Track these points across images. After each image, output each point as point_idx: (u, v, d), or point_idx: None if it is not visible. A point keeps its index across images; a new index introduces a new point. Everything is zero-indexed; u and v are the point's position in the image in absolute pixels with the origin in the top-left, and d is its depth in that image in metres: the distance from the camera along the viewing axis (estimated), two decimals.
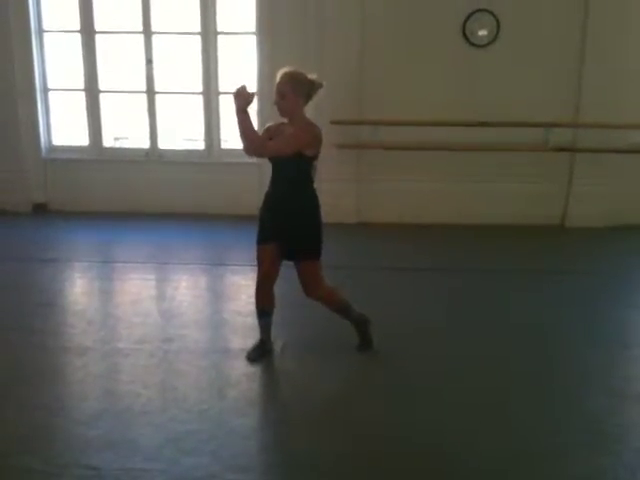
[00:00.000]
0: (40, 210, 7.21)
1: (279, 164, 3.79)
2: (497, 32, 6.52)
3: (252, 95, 3.61)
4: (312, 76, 3.69)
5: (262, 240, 3.87)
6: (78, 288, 5.55)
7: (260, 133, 3.81)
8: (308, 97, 3.69)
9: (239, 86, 3.61)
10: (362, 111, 6.65)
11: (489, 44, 6.56)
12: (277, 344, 4.21)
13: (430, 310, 4.87)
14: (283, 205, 3.80)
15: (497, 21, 6.49)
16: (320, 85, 3.70)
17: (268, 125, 3.86)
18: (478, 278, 5.50)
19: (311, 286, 3.93)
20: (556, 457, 3.15)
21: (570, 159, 6.78)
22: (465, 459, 3.13)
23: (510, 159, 6.70)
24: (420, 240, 6.45)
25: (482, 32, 6.54)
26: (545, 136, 6.51)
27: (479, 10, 6.49)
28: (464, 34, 6.55)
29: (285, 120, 3.75)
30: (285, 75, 3.63)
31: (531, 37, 6.56)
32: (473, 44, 6.56)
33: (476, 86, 6.65)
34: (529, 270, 5.66)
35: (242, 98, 3.58)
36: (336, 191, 6.84)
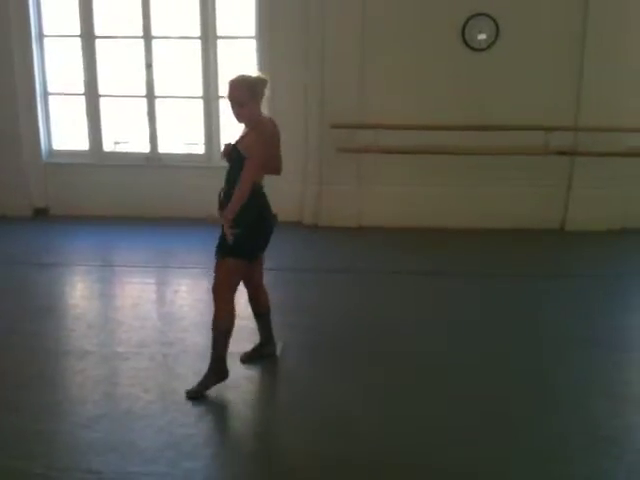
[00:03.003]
0: (40, 214, 7.21)
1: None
2: (496, 36, 6.52)
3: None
4: (258, 75, 3.68)
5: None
6: (78, 292, 5.55)
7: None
8: (262, 95, 3.64)
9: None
10: (363, 115, 6.65)
11: (488, 48, 6.57)
12: (278, 347, 4.22)
13: (430, 313, 4.87)
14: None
15: (496, 25, 6.50)
16: (266, 80, 3.67)
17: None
18: (478, 282, 5.50)
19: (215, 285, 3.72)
20: (557, 459, 3.15)
21: (570, 162, 6.78)
22: (465, 460, 3.13)
23: (510, 163, 6.70)
24: (420, 244, 6.45)
25: (481, 36, 6.54)
26: (545, 140, 6.51)
27: (478, 14, 6.49)
28: (463, 38, 6.55)
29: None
30: (238, 83, 3.57)
31: (530, 40, 6.56)
32: (472, 48, 6.57)
33: (476, 90, 6.66)
34: (529, 274, 5.65)
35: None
36: (337, 195, 6.86)
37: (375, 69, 6.65)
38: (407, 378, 3.91)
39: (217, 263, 3.65)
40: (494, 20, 6.49)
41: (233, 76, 3.62)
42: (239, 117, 3.62)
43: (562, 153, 6.63)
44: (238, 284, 3.72)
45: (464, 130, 6.56)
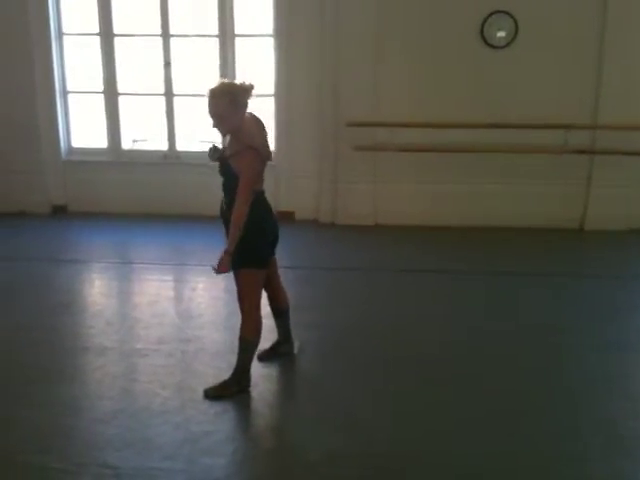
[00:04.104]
0: (59, 212, 7.26)
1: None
2: (515, 33, 6.48)
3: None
4: (241, 82, 3.42)
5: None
6: (97, 289, 5.59)
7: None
8: (245, 105, 3.40)
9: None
10: (378, 113, 6.64)
11: (507, 45, 6.52)
12: (295, 346, 4.22)
13: (446, 313, 4.85)
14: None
15: (515, 22, 6.45)
16: (252, 87, 3.41)
17: None
18: (495, 281, 5.46)
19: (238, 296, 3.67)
20: (575, 460, 3.13)
21: (589, 161, 6.72)
22: (480, 461, 3.12)
23: (528, 161, 6.66)
24: (437, 243, 6.43)
25: (500, 34, 6.50)
26: (564, 138, 6.45)
27: (497, 12, 6.45)
28: (482, 35, 6.51)
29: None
30: (219, 94, 3.31)
31: (549, 38, 6.51)
32: (491, 45, 6.53)
33: (494, 88, 6.61)
34: (547, 273, 5.61)
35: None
36: (352, 193, 6.84)
37: (391, 67, 6.62)
38: (424, 378, 3.90)
39: (235, 275, 3.57)
40: (513, 18, 6.44)
41: (213, 85, 3.36)
42: (220, 130, 3.42)
43: (581, 152, 6.56)
44: (261, 291, 3.67)
45: (482, 128, 6.52)
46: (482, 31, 6.50)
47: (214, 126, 3.39)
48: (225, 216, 3.55)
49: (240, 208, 3.38)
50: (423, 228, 6.72)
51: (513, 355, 4.18)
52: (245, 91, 3.38)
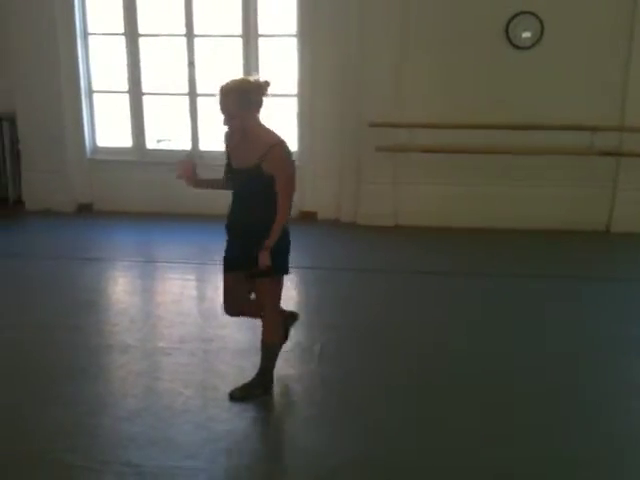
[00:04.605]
0: (84, 210, 7.34)
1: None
2: (541, 34, 6.42)
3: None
4: (255, 79, 3.34)
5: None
6: (120, 287, 5.64)
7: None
8: (259, 104, 3.31)
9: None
10: (401, 114, 6.61)
11: (533, 46, 6.47)
12: (315, 347, 4.23)
13: (468, 314, 4.82)
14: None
15: (541, 23, 6.39)
16: (267, 84, 3.33)
17: (225, 136, 3.56)
18: (520, 284, 5.42)
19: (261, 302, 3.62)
20: (600, 463, 3.09)
21: (616, 163, 6.64)
22: (507, 463, 3.09)
23: (553, 163, 6.60)
24: (460, 244, 6.39)
25: (526, 34, 6.44)
26: (590, 140, 6.38)
27: (523, 12, 6.39)
28: (507, 36, 6.46)
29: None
30: (228, 91, 3.24)
31: (576, 39, 6.44)
32: (516, 46, 6.48)
33: (519, 89, 6.56)
34: (573, 276, 5.55)
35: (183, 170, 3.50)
36: (373, 193, 6.83)
37: (415, 67, 6.60)
38: (448, 381, 3.88)
39: (261, 282, 3.49)
40: (539, 18, 6.39)
41: (224, 81, 3.30)
42: (231, 128, 3.38)
43: (607, 154, 6.49)
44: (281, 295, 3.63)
45: (505, 129, 6.47)
46: (507, 32, 6.45)
47: (225, 123, 3.33)
48: (243, 222, 3.44)
49: (285, 205, 3.35)
50: (444, 229, 6.69)
51: (537, 358, 4.14)
52: (257, 88, 3.29)
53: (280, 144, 3.34)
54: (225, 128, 3.46)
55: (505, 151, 6.56)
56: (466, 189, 6.72)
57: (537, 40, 6.45)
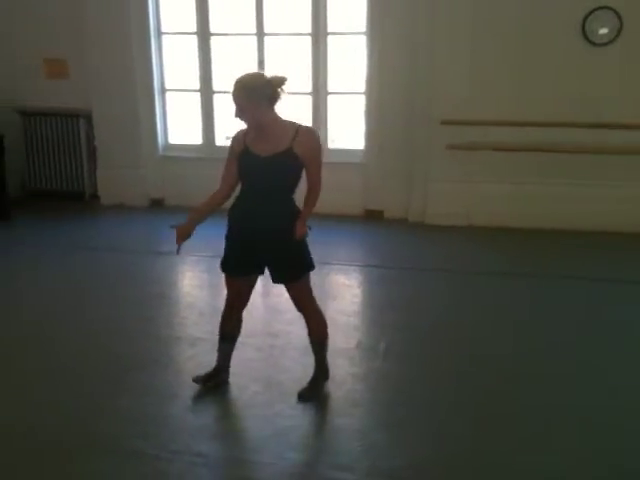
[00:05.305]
0: (156, 205, 7.54)
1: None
2: (619, 30, 6.20)
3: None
4: (268, 75, 3.26)
5: None
6: (189, 281, 5.77)
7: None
8: (271, 99, 3.23)
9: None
10: (472, 111, 6.51)
11: (610, 42, 6.25)
12: (380, 346, 4.22)
13: (540, 320, 4.71)
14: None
15: (619, 19, 6.18)
16: (281, 81, 3.23)
17: (231, 144, 3.49)
18: (589, 287, 5.27)
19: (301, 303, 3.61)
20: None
21: None
22: (574, 463, 3.03)
23: (628, 163, 6.37)
24: (531, 245, 6.25)
25: (603, 30, 6.23)
26: None
27: (601, 7, 6.19)
28: (583, 32, 6.27)
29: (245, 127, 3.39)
30: (236, 85, 3.22)
31: None
32: (592, 42, 6.28)
33: (594, 86, 6.35)
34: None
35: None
36: (443, 192, 6.75)
37: (487, 64, 6.48)
38: (514, 385, 3.81)
39: (295, 285, 3.48)
40: (617, 13, 6.17)
41: (239, 74, 3.26)
42: (245, 122, 3.32)
43: None
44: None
45: (579, 127, 6.28)
46: (583, 27, 6.26)
47: (236, 116, 3.28)
48: (264, 216, 3.34)
49: (320, 184, 3.37)
50: (516, 230, 6.55)
51: (592, 362, 4.04)
52: (268, 84, 3.21)
53: (303, 125, 3.33)
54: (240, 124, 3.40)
55: (578, 150, 6.37)
56: (539, 188, 6.55)
57: (615, 36, 6.23)
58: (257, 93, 3.19)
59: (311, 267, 3.48)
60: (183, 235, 3.55)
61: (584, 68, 6.35)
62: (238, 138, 3.43)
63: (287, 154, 3.26)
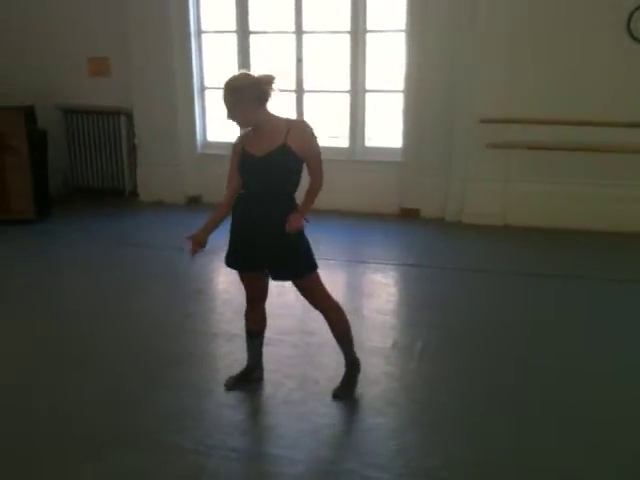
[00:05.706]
0: (193, 202, 7.62)
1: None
2: None
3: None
4: (256, 75, 3.23)
5: None
6: (225, 277, 5.80)
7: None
8: (261, 99, 3.21)
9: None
10: (512, 110, 6.42)
11: None
12: (416, 345, 4.20)
13: (576, 321, 4.64)
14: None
15: None
16: (269, 79, 3.21)
17: (232, 149, 3.44)
18: (624, 289, 5.17)
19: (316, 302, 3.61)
20: None
21: None
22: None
23: None
24: (568, 246, 6.16)
25: None
26: None
27: None
28: (628, 29, 6.13)
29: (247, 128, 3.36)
30: (225, 88, 3.21)
31: None
32: (638, 40, 6.13)
33: (636, 85, 6.22)
34: None
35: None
36: (482, 192, 6.69)
37: (527, 62, 6.38)
38: (550, 386, 3.76)
39: (305, 285, 3.48)
40: None
41: (233, 73, 3.27)
42: (237, 123, 3.29)
43: None
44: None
45: (622, 127, 6.15)
46: (629, 24, 6.13)
47: (228, 118, 3.26)
48: (265, 214, 3.33)
49: (321, 178, 3.40)
50: (554, 230, 6.46)
51: (624, 368, 3.96)
52: (257, 83, 3.18)
53: (294, 119, 3.32)
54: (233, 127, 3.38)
55: (620, 150, 6.24)
56: (579, 188, 6.43)
57: None
58: (246, 93, 3.17)
59: (315, 266, 3.45)
60: (198, 244, 3.55)
61: (628, 66, 6.21)
62: (237, 142, 3.44)
63: (282, 150, 3.25)
